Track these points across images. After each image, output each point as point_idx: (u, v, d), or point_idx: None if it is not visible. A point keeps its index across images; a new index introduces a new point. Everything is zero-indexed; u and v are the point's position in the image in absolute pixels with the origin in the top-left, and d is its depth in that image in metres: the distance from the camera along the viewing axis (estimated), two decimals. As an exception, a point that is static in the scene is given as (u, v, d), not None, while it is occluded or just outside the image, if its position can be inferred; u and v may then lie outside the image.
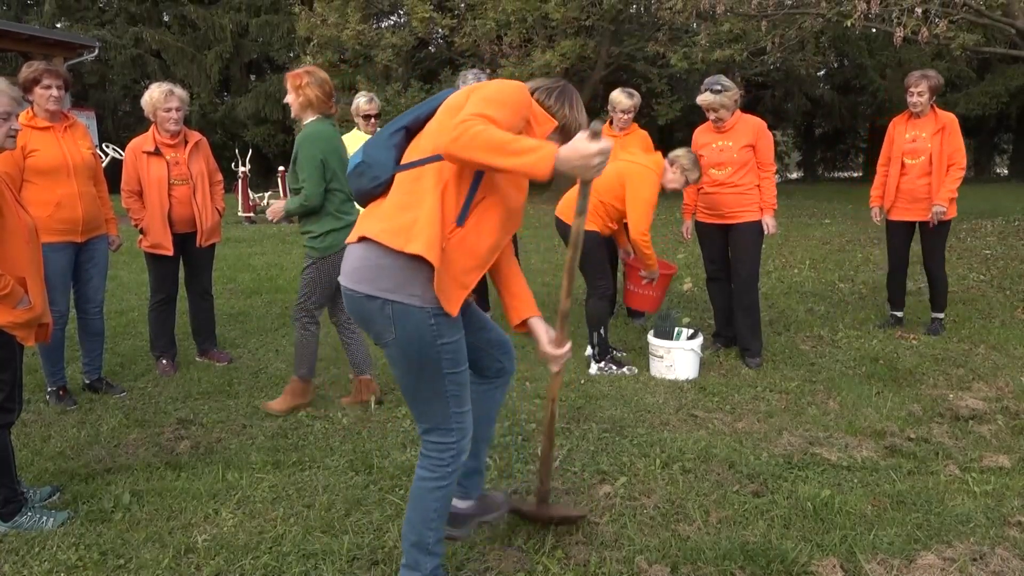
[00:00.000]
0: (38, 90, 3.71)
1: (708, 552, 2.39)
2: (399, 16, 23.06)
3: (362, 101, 5.28)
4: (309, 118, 3.70)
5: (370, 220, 2.01)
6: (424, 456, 2.09)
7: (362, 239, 1.99)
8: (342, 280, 2.04)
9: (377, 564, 2.39)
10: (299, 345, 3.84)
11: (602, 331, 4.37)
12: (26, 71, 3.73)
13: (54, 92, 3.72)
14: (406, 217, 1.93)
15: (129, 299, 6.63)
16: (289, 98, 3.69)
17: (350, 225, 3.57)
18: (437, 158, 1.94)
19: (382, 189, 2.05)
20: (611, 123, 5.32)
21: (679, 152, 4.29)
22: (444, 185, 1.94)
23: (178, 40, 26.50)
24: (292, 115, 3.78)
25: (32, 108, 3.75)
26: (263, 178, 26.28)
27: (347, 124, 6.42)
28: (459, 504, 2.37)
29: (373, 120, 5.29)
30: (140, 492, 2.91)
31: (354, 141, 5.26)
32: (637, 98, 5.24)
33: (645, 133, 5.36)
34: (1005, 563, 2.31)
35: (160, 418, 3.74)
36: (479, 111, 1.84)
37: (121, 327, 5.60)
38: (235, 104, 26.90)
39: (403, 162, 2.05)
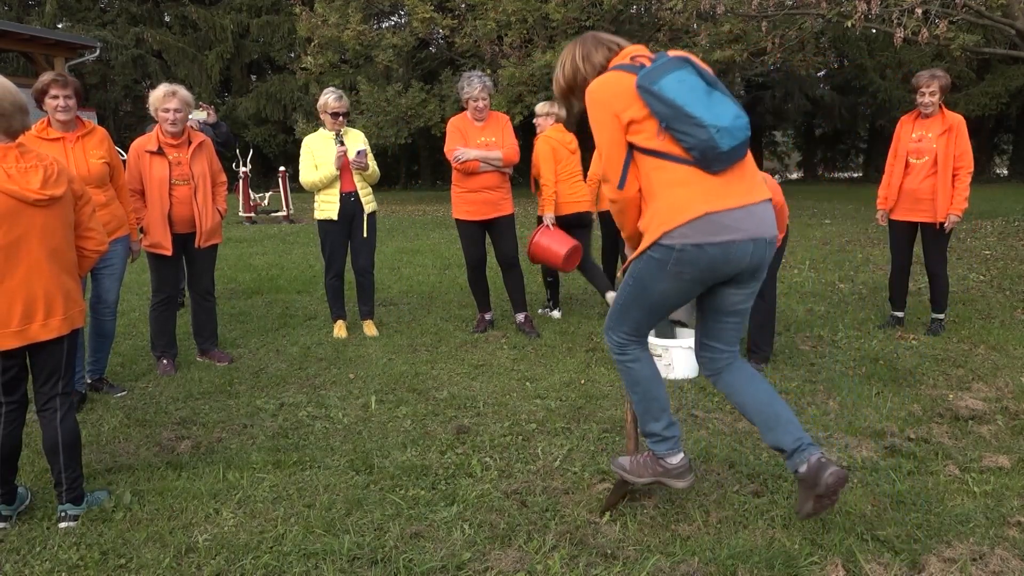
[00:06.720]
0: (47, 100, 3.73)
1: (708, 552, 2.40)
2: (400, 16, 23.11)
3: (331, 98, 5.02)
4: None
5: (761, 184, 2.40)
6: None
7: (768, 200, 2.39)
8: (770, 232, 2.34)
9: (377, 564, 2.40)
10: None
11: None
12: (37, 83, 3.75)
13: (61, 102, 3.72)
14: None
15: (129, 299, 6.64)
16: None
17: None
18: None
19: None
20: None
21: None
22: None
23: (179, 40, 26.54)
24: None
25: (47, 118, 3.77)
26: (264, 178, 26.33)
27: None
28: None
29: (341, 118, 5.06)
30: (141, 492, 2.91)
31: (321, 140, 5.12)
32: None
33: None
34: (1005, 563, 2.31)
35: (161, 418, 3.75)
36: None
37: (121, 327, 5.61)
38: (236, 104, 26.93)
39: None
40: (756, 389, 2.47)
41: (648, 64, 2.32)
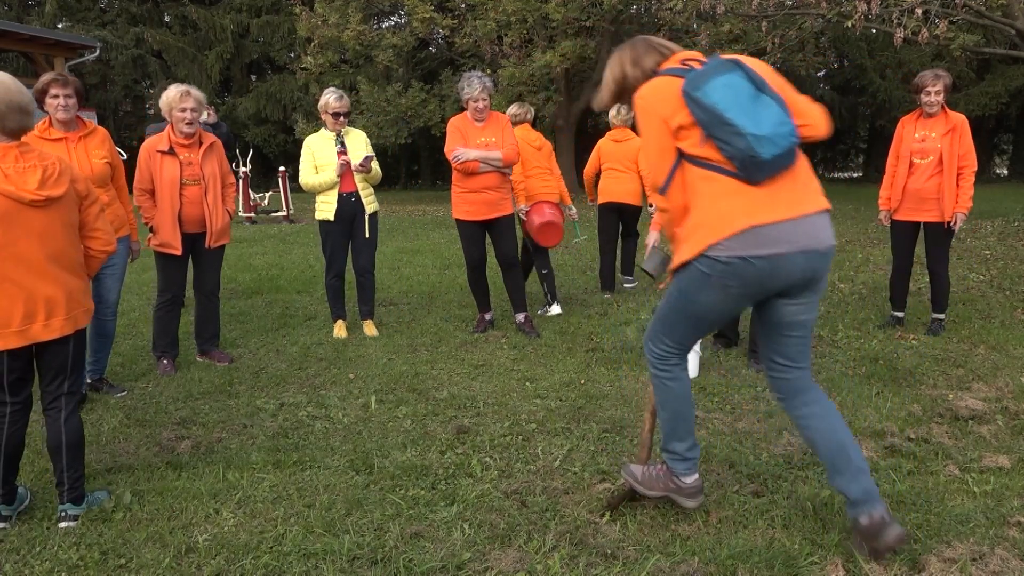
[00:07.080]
0: (48, 100, 3.73)
1: (708, 552, 2.40)
2: (400, 17, 23.11)
3: (332, 98, 5.01)
4: None
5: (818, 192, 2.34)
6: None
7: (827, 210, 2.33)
8: (825, 242, 2.27)
9: (377, 564, 2.40)
10: None
11: None
12: (38, 83, 3.75)
13: (61, 101, 3.72)
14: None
15: (130, 299, 6.64)
16: None
17: None
18: None
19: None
20: (617, 112, 6.32)
21: None
22: None
23: (179, 40, 26.52)
24: None
25: (49, 118, 3.78)
26: (264, 178, 26.32)
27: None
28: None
29: (342, 118, 5.06)
30: (141, 492, 2.91)
31: (322, 141, 5.12)
32: None
33: None
34: (1005, 563, 2.31)
35: (161, 418, 3.75)
36: None
37: (122, 327, 5.60)
38: (236, 104, 26.93)
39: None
40: (830, 428, 2.39)
41: (699, 68, 2.27)
